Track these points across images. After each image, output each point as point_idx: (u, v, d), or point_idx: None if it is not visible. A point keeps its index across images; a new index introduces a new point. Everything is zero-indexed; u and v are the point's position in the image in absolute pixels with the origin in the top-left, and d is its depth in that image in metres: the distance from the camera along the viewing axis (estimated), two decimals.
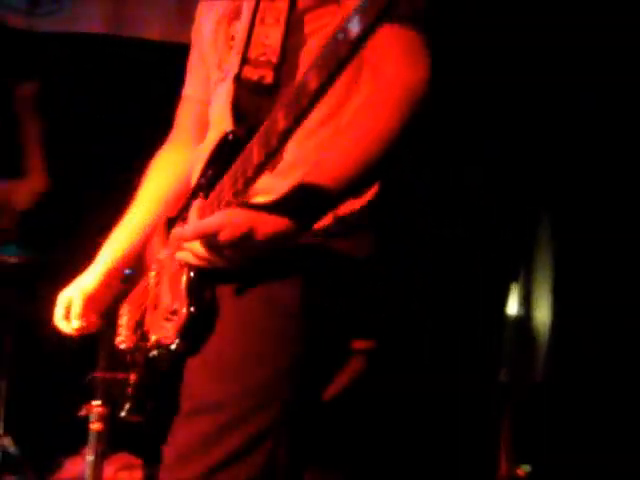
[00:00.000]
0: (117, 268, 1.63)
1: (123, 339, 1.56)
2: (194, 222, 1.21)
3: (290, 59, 1.28)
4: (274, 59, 1.26)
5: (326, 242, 1.28)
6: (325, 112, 1.27)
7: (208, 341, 1.27)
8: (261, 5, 1.28)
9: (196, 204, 1.24)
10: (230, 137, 1.27)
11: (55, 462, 3.12)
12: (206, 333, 1.27)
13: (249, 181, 1.14)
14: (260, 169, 1.12)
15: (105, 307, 1.66)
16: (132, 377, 1.41)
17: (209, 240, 1.15)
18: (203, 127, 1.54)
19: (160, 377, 1.37)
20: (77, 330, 1.62)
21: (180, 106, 1.67)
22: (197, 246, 1.18)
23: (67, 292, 1.62)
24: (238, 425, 1.24)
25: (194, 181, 1.39)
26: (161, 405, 1.39)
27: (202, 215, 1.21)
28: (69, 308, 1.61)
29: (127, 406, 1.39)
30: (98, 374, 1.69)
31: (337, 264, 1.30)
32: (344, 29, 0.90)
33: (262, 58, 1.27)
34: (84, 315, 1.61)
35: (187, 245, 1.21)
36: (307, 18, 1.30)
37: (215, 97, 1.47)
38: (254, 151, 1.12)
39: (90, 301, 1.61)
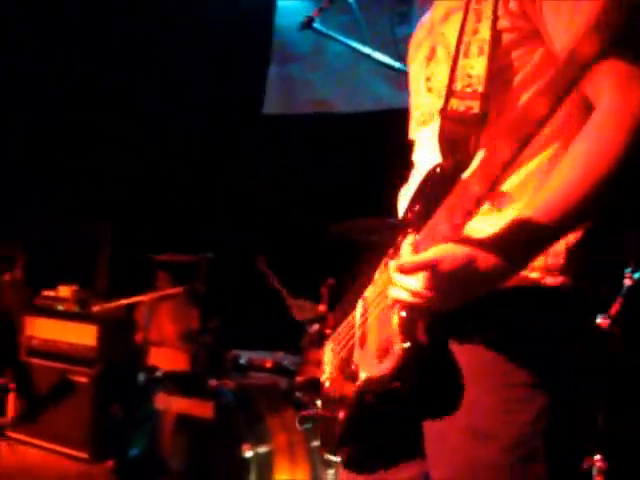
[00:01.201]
0: None
1: (328, 377, 1.56)
2: (409, 257, 1.19)
3: (493, 88, 1.27)
4: (480, 88, 1.25)
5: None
6: (536, 142, 1.22)
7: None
8: (464, 39, 1.30)
9: (408, 240, 1.23)
10: (438, 170, 1.25)
11: None
12: (423, 375, 1.24)
13: (468, 214, 1.12)
14: (480, 202, 1.10)
15: None
16: (340, 415, 1.40)
17: (428, 273, 1.13)
18: None
19: (371, 415, 1.36)
20: None
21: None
22: (412, 282, 1.16)
23: None
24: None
25: (400, 217, 1.38)
26: (367, 444, 1.41)
27: (416, 250, 1.20)
28: None
29: (335, 444, 1.41)
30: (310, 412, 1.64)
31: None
32: (575, 53, 0.92)
33: (468, 89, 1.27)
34: None
35: (401, 282, 1.18)
36: (508, 48, 1.29)
37: (417, 139, 1.50)
38: (473, 184, 1.09)
39: None
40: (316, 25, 2.80)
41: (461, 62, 1.29)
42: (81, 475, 4.00)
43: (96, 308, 3.69)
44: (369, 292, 1.43)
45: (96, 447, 4.25)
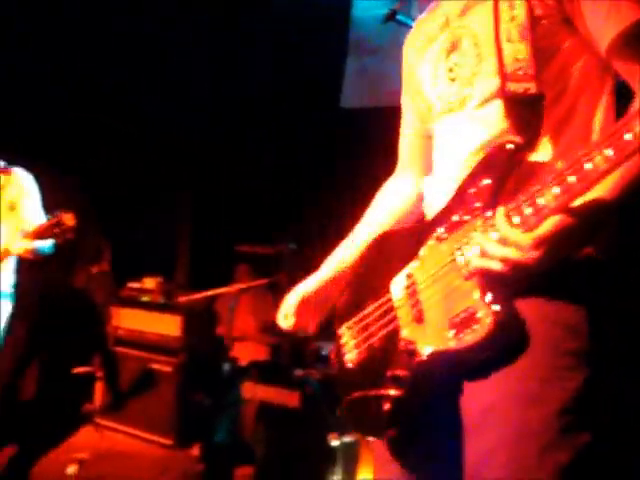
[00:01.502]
0: (337, 280, 1.78)
1: (352, 358, 1.57)
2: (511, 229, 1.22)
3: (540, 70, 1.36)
4: (531, 71, 1.34)
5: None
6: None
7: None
8: (502, 26, 1.37)
9: (500, 212, 1.25)
10: (511, 147, 1.30)
11: None
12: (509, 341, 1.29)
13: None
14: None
15: (322, 314, 1.81)
16: (392, 393, 1.40)
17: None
18: (424, 157, 1.70)
19: (430, 390, 1.38)
20: (290, 328, 1.79)
21: (401, 143, 1.80)
22: (509, 252, 1.22)
23: (291, 293, 1.81)
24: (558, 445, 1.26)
25: (455, 194, 1.41)
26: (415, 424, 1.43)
27: (526, 224, 1.22)
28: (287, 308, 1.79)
29: (382, 423, 1.41)
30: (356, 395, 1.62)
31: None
32: None
33: (520, 72, 1.35)
34: (297, 315, 1.78)
35: (498, 253, 1.23)
36: (543, 33, 1.36)
37: (442, 127, 1.53)
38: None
39: (305, 303, 1.78)
40: (399, 17, 2.81)
41: (505, 47, 1.36)
42: (166, 461, 4.12)
43: (182, 299, 3.79)
44: (416, 271, 1.44)
45: (180, 434, 4.38)
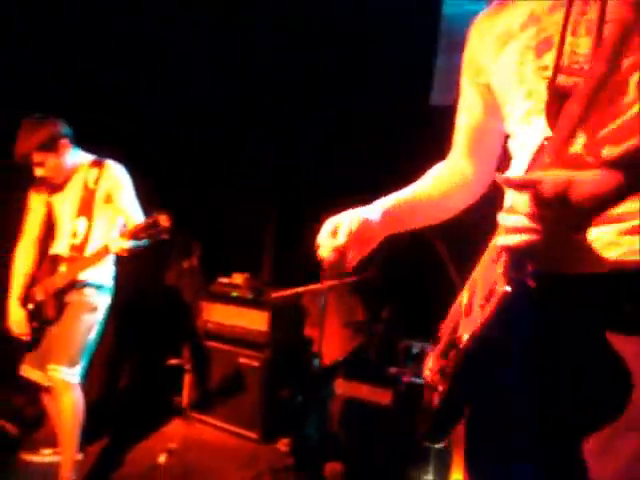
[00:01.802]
0: (391, 218, 1.63)
1: (430, 367, 1.56)
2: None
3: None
4: (587, 66, 1.30)
5: None
6: None
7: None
8: (572, 19, 1.35)
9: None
10: (546, 143, 1.28)
11: None
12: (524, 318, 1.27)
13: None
14: None
15: (367, 250, 1.59)
16: (440, 388, 1.42)
17: (531, 196, 1.16)
18: (478, 150, 1.69)
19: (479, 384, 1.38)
20: (335, 251, 1.52)
21: (456, 132, 1.77)
22: (517, 218, 1.19)
23: (341, 215, 1.58)
24: None
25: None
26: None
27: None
28: (338, 227, 1.55)
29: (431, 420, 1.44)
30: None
31: None
32: None
33: (575, 66, 1.32)
34: (350, 239, 1.53)
35: (507, 221, 1.22)
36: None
37: (527, 127, 1.50)
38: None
39: (362, 230, 1.54)
40: None
41: (569, 40, 1.34)
42: (252, 454, 4.18)
43: (274, 295, 3.83)
44: (476, 273, 1.45)
45: (266, 428, 4.44)
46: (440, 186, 1.74)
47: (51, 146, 3.40)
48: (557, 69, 1.33)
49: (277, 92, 5.18)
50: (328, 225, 1.55)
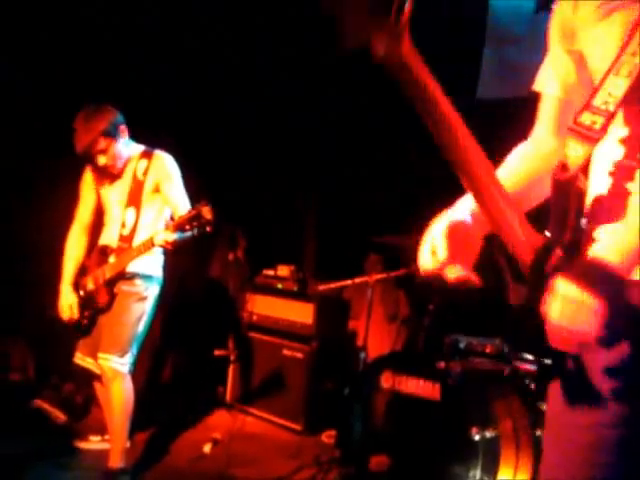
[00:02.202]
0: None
1: None
2: None
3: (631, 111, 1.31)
4: (612, 108, 1.28)
5: None
6: None
7: None
8: (621, 58, 1.31)
9: None
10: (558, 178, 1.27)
11: None
12: None
13: None
14: None
15: (473, 255, 1.46)
16: None
17: None
18: (561, 123, 1.55)
19: None
20: (439, 266, 1.41)
21: (541, 104, 1.63)
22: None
23: (432, 228, 1.45)
24: None
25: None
26: None
27: None
28: (435, 244, 1.42)
29: None
30: None
31: None
32: None
33: (603, 106, 1.29)
34: (450, 248, 1.40)
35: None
36: None
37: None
38: None
39: (456, 234, 1.42)
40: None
41: (610, 79, 1.30)
42: (297, 446, 4.20)
43: (320, 287, 3.83)
44: None
45: (309, 420, 4.45)
46: (528, 170, 1.59)
47: (114, 132, 3.43)
48: (586, 105, 1.30)
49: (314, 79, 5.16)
50: (425, 244, 1.44)
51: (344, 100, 5.12)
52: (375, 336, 4.26)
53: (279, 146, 5.42)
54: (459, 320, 3.81)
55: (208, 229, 3.06)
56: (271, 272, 4.91)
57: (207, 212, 3.03)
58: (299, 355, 4.53)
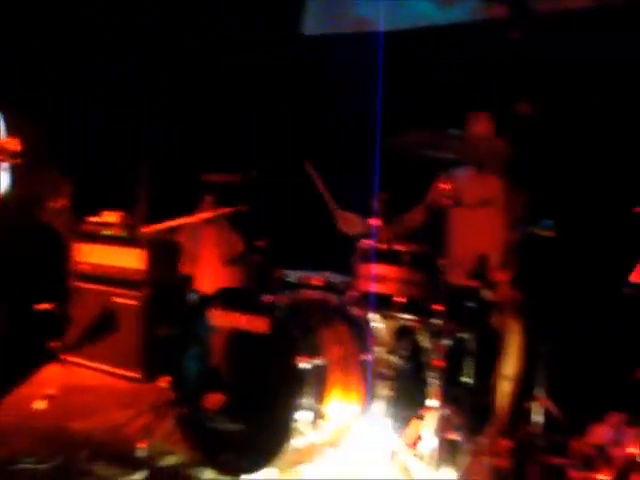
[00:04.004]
0: None
1: None
2: None
3: None
4: None
5: None
6: None
7: None
8: None
9: None
10: None
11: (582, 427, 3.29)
12: None
13: None
14: None
15: None
16: None
17: None
18: None
19: None
20: None
21: None
22: None
23: None
24: None
25: None
26: None
27: None
28: None
29: None
30: None
31: None
32: None
33: None
34: None
35: None
36: None
37: None
38: None
39: None
40: None
41: None
42: (134, 393, 4.12)
43: (145, 230, 3.72)
44: None
45: (148, 367, 4.37)
46: None
47: None
48: None
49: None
50: None
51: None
52: (210, 278, 4.21)
53: (109, 95, 5.20)
54: (292, 255, 3.85)
55: (15, 160, 2.90)
56: (96, 219, 4.71)
57: (12, 144, 2.88)
58: (132, 302, 4.42)
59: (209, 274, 4.15)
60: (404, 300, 2.86)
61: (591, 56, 3.73)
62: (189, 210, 4.16)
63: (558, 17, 3.81)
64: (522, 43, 2.77)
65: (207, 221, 3.71)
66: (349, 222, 3.43)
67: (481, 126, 3.38)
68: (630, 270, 2.78)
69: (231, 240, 4.51)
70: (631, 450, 2.95)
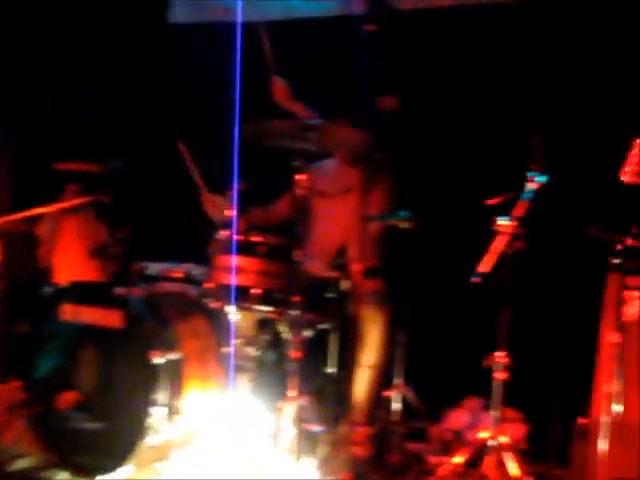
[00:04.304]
0: None
1: None
2: None
3: None
4: None
5: None
6: None
7: None
8: None
9: None
10: None
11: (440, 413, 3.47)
12: None
13: None
14: None
15: None
16: None
17: None
18: None
19: None
20: None
21: None
22: None
23: None
24: None
25: None
26: None
27: None
28: None
29: None
30: None
31: None
32: None
33: None
34: None
35: None
36: None
37: None
38: None
39: None
40: None
41: None
42: None
43: None
44: None
45: (2, 367, 4.14)
46: None
47: None
48: None
49: None
50: None
51: None
52: (71, 270, 4.03)
53: None
54: (156, 247, 3.76)
55: None
56: None
57: None
58: None
59: (69, 266, 3.97)
60: (261, 292, 2.84)
61: (448, 51, 3.84)
62: (50, 200, 3.97)
63: (419, 13, 3.90)
64: (379, 36, 2.80)
65: (69, 211, 3.55)
66: (217, 206, 3.38)
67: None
68: (479, 260, 2.87)
69: (97, 231, 4.34)
70: (483, 434, 3.05)
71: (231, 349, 3.01)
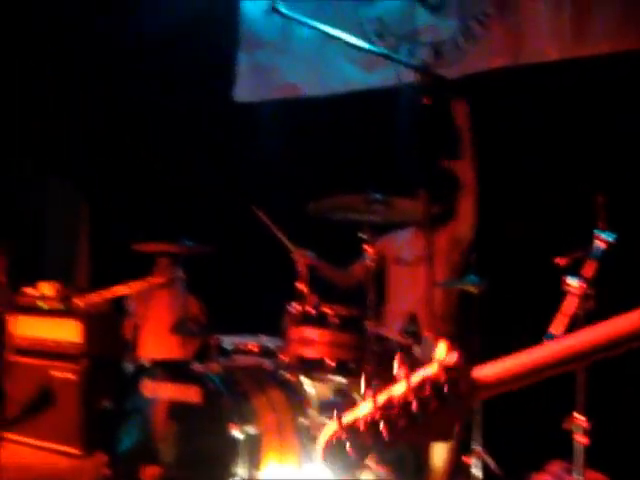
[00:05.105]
0: None
1: None
2: None
3: None
4: None
5: None
6: None
7: None
8: None
9: None
10: None
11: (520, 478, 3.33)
12: None
13: None
14: None
15: None
16: None
17: None
18: None
19: None
20: None
21: None
22: None
23: None
24: None
25: None
26: None
27: None
28: None
29: None
30: None
31: None
32: None
33: None
34: None
35: None
36: None
37: None
38: None
39: None
40: (282, 9, 2.82)
41: None
42: (74, 470, 4.02)
43: (79, 302, 3.68)
44: None
45: (87, 442, 4.27)
46: None
47: None
48: None
49: None
50: None
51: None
52: (155, 345, 4.15)
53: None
54: (231, 321, 3.84)
55: None
56: (32, 290, 4.64)
57: None
58: (70, 375, 4.33)
59: (154, 341, 4.10)
60: (334, 363, 2.88)
61: (509, 111, 3.88)
62: (139, 276, 4.12)
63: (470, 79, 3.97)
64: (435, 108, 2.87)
65: (162, 285, 3.68)
66: (303, 256, 3.47)
67: None
68: (550, 321, 2.84)
69: (184, 307, 4.47)
70: None
71: (307, 421, 3.05)
